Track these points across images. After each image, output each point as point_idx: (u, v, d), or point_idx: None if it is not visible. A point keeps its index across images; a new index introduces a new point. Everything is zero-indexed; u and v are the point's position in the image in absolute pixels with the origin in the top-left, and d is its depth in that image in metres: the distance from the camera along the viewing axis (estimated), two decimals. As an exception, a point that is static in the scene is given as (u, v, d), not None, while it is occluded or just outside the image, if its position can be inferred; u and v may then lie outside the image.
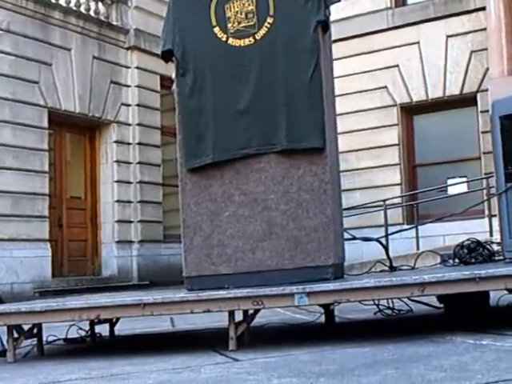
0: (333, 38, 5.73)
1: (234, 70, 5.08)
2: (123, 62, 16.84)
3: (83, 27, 15.84)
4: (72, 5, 15.77)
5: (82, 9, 16.05)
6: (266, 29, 5.07)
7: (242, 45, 5.09)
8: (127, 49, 16.96)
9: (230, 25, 5.14)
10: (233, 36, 5.12)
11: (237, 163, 5.06)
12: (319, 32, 5.04)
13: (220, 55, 5.12)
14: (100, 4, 16.66)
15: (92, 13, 16.31)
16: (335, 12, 5.44)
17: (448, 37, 15.33)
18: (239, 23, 5.13)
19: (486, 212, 13.45)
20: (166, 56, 5.33)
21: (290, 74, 4.97)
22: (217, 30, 5.16)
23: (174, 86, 5.30)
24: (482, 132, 14.43)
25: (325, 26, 5.10)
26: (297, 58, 4.98)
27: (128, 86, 16.85)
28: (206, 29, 5.18)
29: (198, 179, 5.14)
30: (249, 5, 5.14)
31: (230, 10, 5.16)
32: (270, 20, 5.08)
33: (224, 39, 5.14)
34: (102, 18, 16.54)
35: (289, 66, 4.99)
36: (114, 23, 16.83)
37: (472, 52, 15.05)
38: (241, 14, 5.14)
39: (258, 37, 5.08)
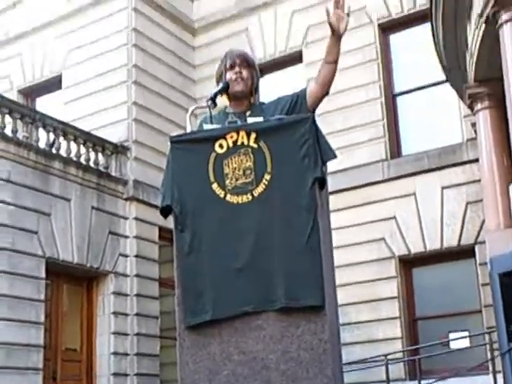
0: (329, 190, 5.75)
1: (231, 227, 5.05)
2: (122, 213, 16.93)
3: (83, 178, 16.05)
4: (72, 155, 16.06)
5: (82, 159, 16.32)
6: (263, 186, 5.07)
7: (240, 202, 5.08)
8: (126, 199, 17.07)
9: (228, 181, 5.15)
10: (231, 192, 5.12)
11: (235, 321, 4.96)
12: (316, 188, 5.05)
13: (218, 212, 5.10)
14: (100, 155, 16.94)
15: (92, 163, 16.58)
16: (331, 164, 5.45)
17: (443, 188, 15.48)
18: (237, 180, 5.13)
19: (490, 368, 13.06)
20: (165, 211, 5.31)
21: (288, 232, 4.94)
22: (215, 186, 5.16)
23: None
24: (482, 284, 14.28)
25: (322, 182, 5.12)
26: (294, 216, 4.97)
27: (126, 237, 16.86)
28: (205, 185, 5.17)
29: (197, 336, 5.02)
30: (247, 161, 5.16)
31: (228, 167, 5.18)
32: (267, 177, 5.09)
33: (222, 196, 5.13)
34: (102, 168, 16.78)
35: (286, 224, 4.96)
36: (113, 174, 17.04)
37: (468, 203, 15.16)
38: (239, 170, 5.15)
39: (255, 194, 5.07)
